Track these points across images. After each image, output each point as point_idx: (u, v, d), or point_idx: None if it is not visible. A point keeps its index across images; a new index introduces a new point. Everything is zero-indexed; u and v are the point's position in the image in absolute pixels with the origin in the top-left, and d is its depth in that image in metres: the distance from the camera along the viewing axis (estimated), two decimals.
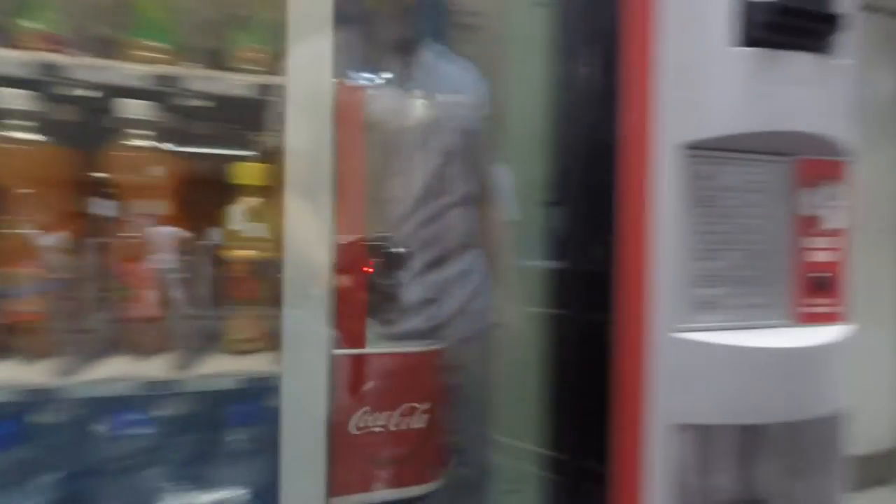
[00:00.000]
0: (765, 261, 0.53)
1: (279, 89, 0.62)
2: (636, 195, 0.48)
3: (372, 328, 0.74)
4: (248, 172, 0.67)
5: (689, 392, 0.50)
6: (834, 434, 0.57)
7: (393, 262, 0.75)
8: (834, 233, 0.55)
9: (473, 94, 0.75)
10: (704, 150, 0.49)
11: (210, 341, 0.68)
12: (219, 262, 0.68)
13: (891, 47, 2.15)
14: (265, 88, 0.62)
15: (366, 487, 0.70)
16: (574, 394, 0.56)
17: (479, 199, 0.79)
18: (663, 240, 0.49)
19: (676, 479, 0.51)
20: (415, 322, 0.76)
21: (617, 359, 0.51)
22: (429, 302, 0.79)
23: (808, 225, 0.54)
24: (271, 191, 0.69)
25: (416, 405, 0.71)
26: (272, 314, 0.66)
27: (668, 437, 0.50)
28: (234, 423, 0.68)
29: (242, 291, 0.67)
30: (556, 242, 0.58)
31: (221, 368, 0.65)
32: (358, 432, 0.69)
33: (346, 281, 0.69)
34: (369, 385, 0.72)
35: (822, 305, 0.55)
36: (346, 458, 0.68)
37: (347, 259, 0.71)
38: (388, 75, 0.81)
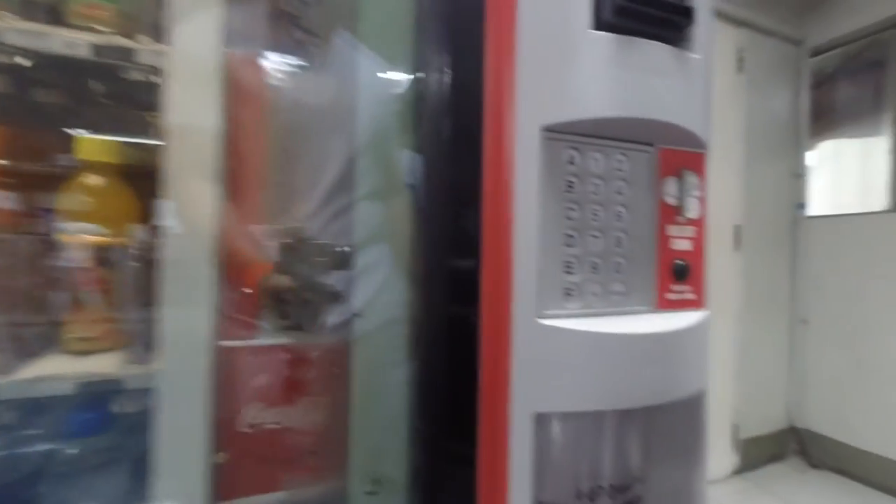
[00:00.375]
0: (628, 248, 0.53)
1: (125, 52, 0.55)
2: (496, 178, 0.47)
3: (276, 322, 0.69)
4: (92, 148, 0.59)
5: (553, 379, 0.50)
6: (696, 415, 0.59)
7: (309, 256, 0.70)
8: (694, 222, 0.57)
9: (385, 83, 0.72)
10: (565, 135, 0.48)
11: (45, 341, 0.59)
12: (56, 250, 0.58)
13: (787, 70, 2.39)
14: (105, 49, 0.54)
15: (261, 489, 0.65)
16: (447, 378, 0.53)
17: (388, 191, 0.77)
18: (525, 225, 0.47)
19: (542, 466, 0.50)
20: (323, 316, 0.73)
21: (481, 346, 0.49)
22: (338, 295, 0.75)
23: (671, 213, 0.56)
24: (123, 169, 0.61)
25: (315, 400, 0.68)
26: (119, 309, 0.58)
27: (533, 424, 0.49)
28: (75, 432, 0.60)
29: (83, 283, 0.59)
30: (421, 226, 0.55)
31: (56, 371, 0.56)
32: (251, 430, 0.65)
33: (238, 271, 0.64)
34: (262, 380, 0.67)
35: (682, 292, 0.56)
36: (237, 458, 0.63)
37: (241, 246, 0.66)
38: (300, 61, 0.77)
